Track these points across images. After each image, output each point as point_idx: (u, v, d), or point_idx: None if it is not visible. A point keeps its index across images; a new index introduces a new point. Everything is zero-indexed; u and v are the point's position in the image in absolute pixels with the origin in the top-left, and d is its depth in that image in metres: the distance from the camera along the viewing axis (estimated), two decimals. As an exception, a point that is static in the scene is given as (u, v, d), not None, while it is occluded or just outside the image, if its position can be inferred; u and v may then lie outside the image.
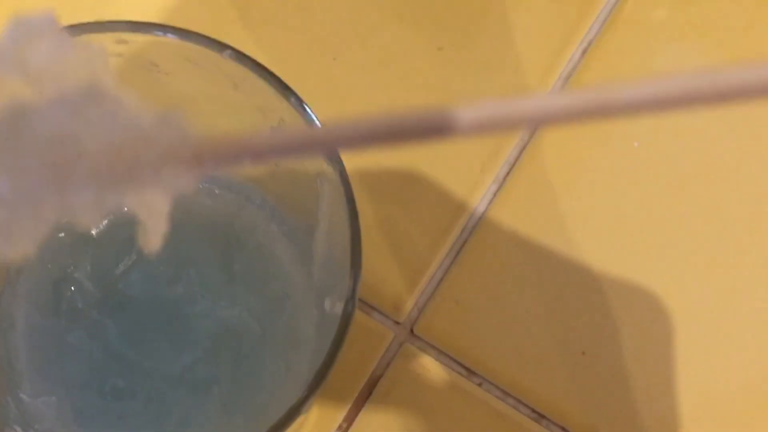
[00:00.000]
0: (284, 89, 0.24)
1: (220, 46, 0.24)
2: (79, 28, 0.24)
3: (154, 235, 0.16)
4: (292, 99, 0.24)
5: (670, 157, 0.35)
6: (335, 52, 0.36)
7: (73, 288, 0.30)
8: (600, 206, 0.35)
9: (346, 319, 0.24)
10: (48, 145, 0.14)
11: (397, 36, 0.36)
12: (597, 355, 0.33)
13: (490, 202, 0.34)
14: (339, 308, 0.26)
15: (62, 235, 0.30)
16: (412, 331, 0.33)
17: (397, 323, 0.33)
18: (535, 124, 0.14)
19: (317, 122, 0.24)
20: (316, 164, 0.25)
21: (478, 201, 0.34)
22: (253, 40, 0.36)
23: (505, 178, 0.35)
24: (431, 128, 0.14)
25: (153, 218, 0.16)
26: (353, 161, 0.33)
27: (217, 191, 0.31)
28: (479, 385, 0.33)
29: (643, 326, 0.33)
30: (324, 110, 0.35)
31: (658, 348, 0.33)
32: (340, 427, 0.32)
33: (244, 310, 0.30)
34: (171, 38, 0.24)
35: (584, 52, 0.36)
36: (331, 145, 0.15)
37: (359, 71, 0.36)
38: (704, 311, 0.34)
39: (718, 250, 0.34)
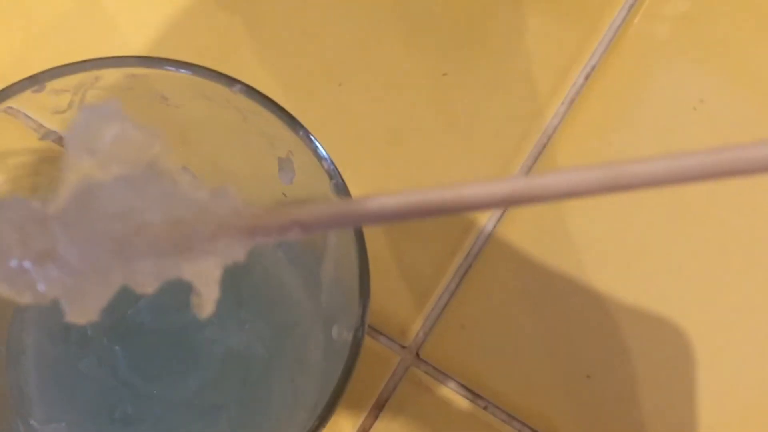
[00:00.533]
0: (293, 122, 0.25)
1: (230, 81, 0.25)
2: (91, 63, 0.24)
3: (207, 302, 0.17)
4: (301, 132, 0.25)
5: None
6: (341, 77, 0.36)
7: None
8: (607, 228, 0.35)
9: (356, 347, 0.24)
10: (113, 219, 0.16)
11: (403, 62, 0.37)
12: (602, 379, 0.33)
13: (495, 225, 0.35)
14: (346, 335, 0.26)
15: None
16: (418, 354, 0.34)
17: (403, 347, 0.34)
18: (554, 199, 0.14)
19: (325, 154, 0.25)
20: (323, 194, 0.26)
21: (483, 224, 0.35)
22: (259, 66, 0.36)
23: (509, 203, 0.35)
24: (465, 205, 0.15)
25: (206, 286, 0.17)
26: (361, 186, 0.33)
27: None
28: (485, 408, 0.33)
29: (650, 349, 0.34)
30: (330, 135, 0.35)
31: (664, 371, 0.33)
32: (347, 450, 0.33)
33: (252, 336, 0.30)
34: (181, 72, 0.25)
35: (587, 76, 0.37)
36: (374, 219, 0.16)
37: (365, 97, 0.36)
38: (713, 334, 0.34)
39: (726, 272, 0.35)
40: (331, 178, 0.25)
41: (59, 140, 0.30)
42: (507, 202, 0.15)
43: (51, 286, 0.16)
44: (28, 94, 0.25)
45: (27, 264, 0.16)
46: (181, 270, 0.16)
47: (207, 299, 0.17)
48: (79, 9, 0.37)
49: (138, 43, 0.36)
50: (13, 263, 0.16)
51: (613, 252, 0.35)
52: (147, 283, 0.16)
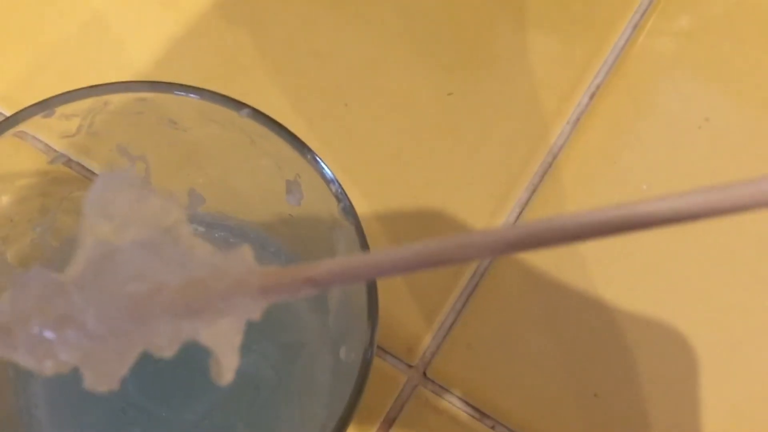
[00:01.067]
0: (301, 146, 0.25)
1: (238, 105, 0.25)
2: (101, 88, 0.25)
3: (227, 371, 0.17)
4: (309, 155, 0.25)
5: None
6: (347, 97, 0.36)
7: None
8: (614, 245, 0.35)
9: (365, 368, 0.24)
10: (129, 283, 0.16)
11: (408, 82, 0.37)
12: (610, 397, 0.33)
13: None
14: (355, 355, 0.26)
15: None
16: (425, 374, 0.34)
17: (411, 366, 0.34)
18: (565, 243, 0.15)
19: (332, 177, 0.25)
20: (331, 216, 0.26)
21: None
22: (265, 87, 0.36)
23: (516, 220, 0.35)
24: (471, 255, 0.15)
25: (226, 354, 0.17)
26: (368, 206, 0.33)
27: (231, 240, 0.31)
28: (492, 428, 0.33)
29: (658, 368, 0.34)
30: (336, 155, 0.35)
31: (672, 390, 0.33)
32: (354, 471, 0.33)
33: (260, 357, 0.30)
34: (190, 97, 0.25)
35: (592, 95, 0.37)
36: (385, 272, 0.16)
37: (370, 116, 0.36)
38: (723, 352, 0.34)
39: (736, 289, 0.35)
40: (339, 201, 0.25)
41: (68, 163, 0.30)
42: (514, 249, 0.15)
43: (71, 353, 0.16)
44: (38, 119, 0.25)
45: (47, 333, 0.16)
46: (199, 334, 0.17)
47: (227, 368, 0.17)
48: (84, 31, 0.37)
49: (144, 64, 0.37)
50: (34, 332, 0.16)
51: (621, 269, 0.35)
52: (165, 347, 0.17)
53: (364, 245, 0.24)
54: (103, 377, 0.17)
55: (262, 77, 0.37)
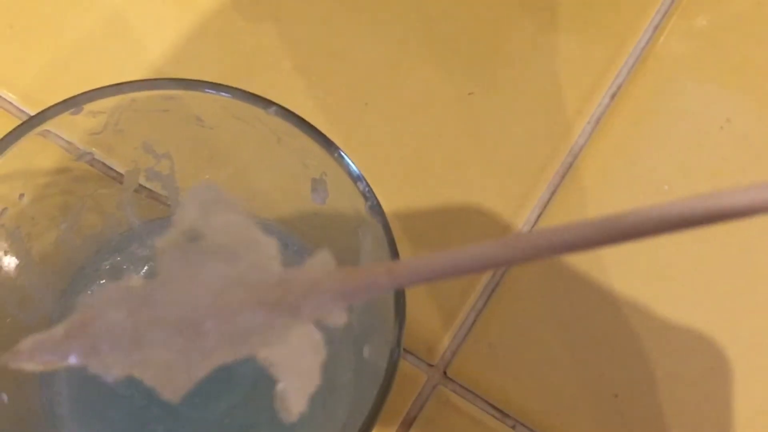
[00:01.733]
0: (328, 144, 0.25)
1: (266, 103, 0.25)
2: (128, 86, 0.25)
3: (293, 409, 0.17)
4: (336, 153, 0.25)
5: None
6: (367, 97, 0.36)
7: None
8: (635, 245, 0.35)
9: (392, 368, 0.24)
10: (217, 290, 0.16)
11: (428, 81, 0.37)
12: (630, 398, 0.33)
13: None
14: (378, 355, 0.26)
15: (103, 282, 0.31)
16: (445, 373, 0.34)
17: (431, 366, 0.34)
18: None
19: (360, 175, 0.25)
20: (357, 214, 0.26)
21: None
22: (285, 86, 0.36)
23: (537, 220, 0.35)
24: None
25: (298, 394, 0.17)
26: (388, 206, 0.33)
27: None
28: (512, 427, 0.33)
29: (678, 368, 0.34)
30: (356, 154, 0.35)
31: (693, 391, 0.33)
32: (375, 470, 0.33)
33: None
34: (220, 95, 0.25)
35: (613, 95, 0.37)
36: (468, 269, 0.16)
37: (391, 116, 0.36)
38: (744, 352, 0.34)
39: (758, 288, 0.35)
40: (366, 199, 0.25)
41: (92, 161, 0.30)
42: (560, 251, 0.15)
43: (146, 363, 0.17)
44: (65, 116, 0.25)
45: (123, 343, 0.17)
46: (276, 362, 0.17)
47: (294, 408, 0.17)
48: (105, 30, 0.37)
49: (163, 63, 0.37)
50: (108, 345, 0.17)
51: (641, 269, 0.35)
52: (244, 351, 0.17)
53: (392, 243, 0.24)
54: (175, 385, 0.17)
55: (281, 77, 0.37)
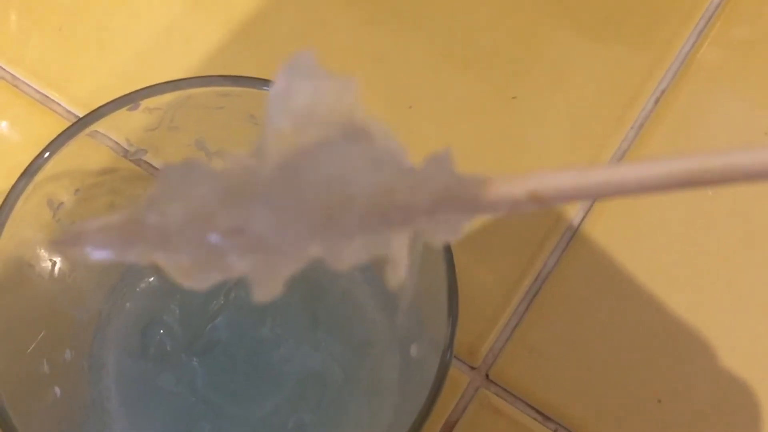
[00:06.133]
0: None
1: (320, 100, 0.25)
2: (185, 82, 0.25)
3: (398, 267, 0.15)
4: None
5: (749, 202, 0.35)
6: (411, 100, 0.37)
7: (161, 332, 0.30)
8: (678, 251, 0.35)
9: (443, 369, 0.24)
10: (319, 191, 0.14)
11: (472, 85, 0.37)
12: (673, 403, 0.33)
13: (565, 248, 0.35)
14: (425, 355, 0.26)
15: (152, 279, 0.31)
16: (487, 376, 0.34)
17: (473, 368, 0.34)
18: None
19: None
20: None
21: (553, 247, 0.35)
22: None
23: (579, 225, 0.35)
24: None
25: (397, 252, 0.15)
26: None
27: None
28: (554, 431, 0.33)
29: (722, 374, 0.33)
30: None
31: (736, 398, 0.33)
32: (417, 472, 0.33)
33: (328, 355, 0.31)
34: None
35: (657, 101, 0.37)
36: (628, 190, 0.14)
37: (435, 119, 0.37)
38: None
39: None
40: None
41: (138, 161, 0.31)
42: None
43: (243, 260, 0.14)
44: (122, 112, 0.25)
45: (221, 238, 0.14)
46: (391, 246, 0.15)
47: (398, 266, 0.15)
48: (153, 32, 0.38)
49: (208, 65, 0.37)
50: (211, 237, 0.14)
51: (685, 275, 0.34)
52: (348, 259, 0.15)
53: (447, 246, 0.25)
54: (267, 287, 0.15)
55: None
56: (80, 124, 0.25)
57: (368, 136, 0.15)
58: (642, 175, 0.14)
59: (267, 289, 0.15)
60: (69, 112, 0.37)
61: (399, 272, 0.15)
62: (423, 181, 0.15)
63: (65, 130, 0.25)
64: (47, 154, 0.25)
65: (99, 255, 0.14)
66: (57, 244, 0.15)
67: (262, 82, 0.25)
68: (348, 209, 0.14)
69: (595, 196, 0.14)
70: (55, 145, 0.25)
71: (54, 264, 0.28)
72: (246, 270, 0.15)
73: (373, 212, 0.14)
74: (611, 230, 0.35)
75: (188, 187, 0.14)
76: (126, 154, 0.30)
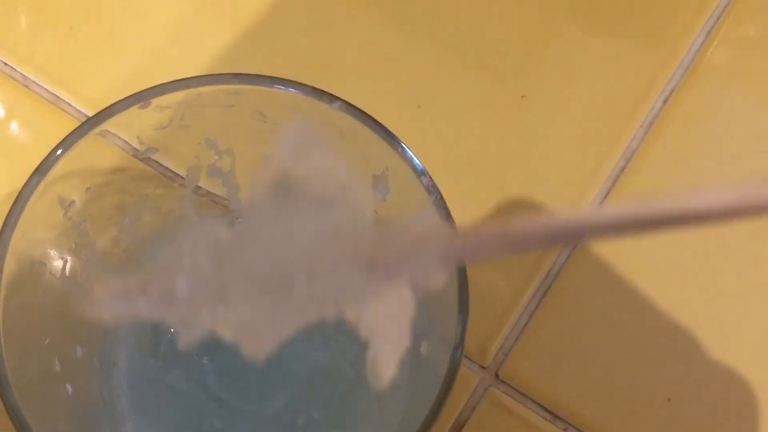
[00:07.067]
0: (391, 138, 0.25)
1: (331, 98, 0.25)
2: (195, 80, 0.25)
3: (384, 375, 0.16)
4: (399, 148, 0.25)
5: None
6: (420, 99, 0.37)
7: (172, 330, 0.30)
8: (687, 249, 0.35)
9: (454, 367, 0.24)
10: (310, 243, 0.15)
11: (480, 84, 0.37)
12: (683, 402, 0.33)
13: (574, 248, 0.35)
14: (435, 352, 0.26)
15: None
16: (497, 375, 0.34)
17: (483, 367, 0.34)
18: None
19: (424, 170, 0.25)
20: (418, 210, 0.26)
21: (562, 246, 0.35)
22: (338, 89, 0.37)
23: (588, 224, 0.35)
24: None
25: (388, 359, 0.16)
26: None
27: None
28: (564, 430, 0.33)
29: (732, 371, 0.33)
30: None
31: (747, 396, 0.33)
32: (427, 470, 0.33)
33: (338, 352, 0.31)
34: (282, 90, 0.25)
35: (666, 100, 0.37)
36: (597, 233, 0.15)
37: (443, 118, 0.37)
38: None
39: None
40: (429, 193, 0.25)
41: (148, 161, 0.31)
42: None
43: (230, 319, 0.16)
44: (133, 110, 0.25)
45: (205, 295, 0.15)
46: (365, 325, 0.16)
47: (384, 373, 0.16)
48: (163, 31, 0.38)
49: (219, 64, 0.37)
50: (188, 296, 0.15)
51: (695, 273, 0.34)
52: (336, 311, 0.16)
53: (455, 238, 0.25)
54: (259, 343, 0.16)
55: (334, 79, 0.37)
56: (93, 120, 0.25)
57: (362, 200, 0.16)
58: (615, 219, 0.14)
59: (258, 348, 0.16)
60: (79, 111, 0.37)
61: (382, 376, 0.16)
62: (407, 229, 0.15)
63: (79, 127, 0.25)
64: (60, 151, 0.25)
65: (113, 316, 0.16)
66: (81, 308, 0.16)
67: (273, 80, 0.25)
68: (334, 259, 0.15)
69: (573, 240, 0.14)
70: (68, 142, 0.25)
71: (65, 262, 0.28)
72: (235, 336, 0.16)
73: (360, 260, 0.15)
74: (621, 229, 0.35)
75: (182, 259, 0.16)
76: (136, 153, 0.30)
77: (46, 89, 0.37)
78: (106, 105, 0.25)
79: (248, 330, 0.16)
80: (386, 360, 0.16)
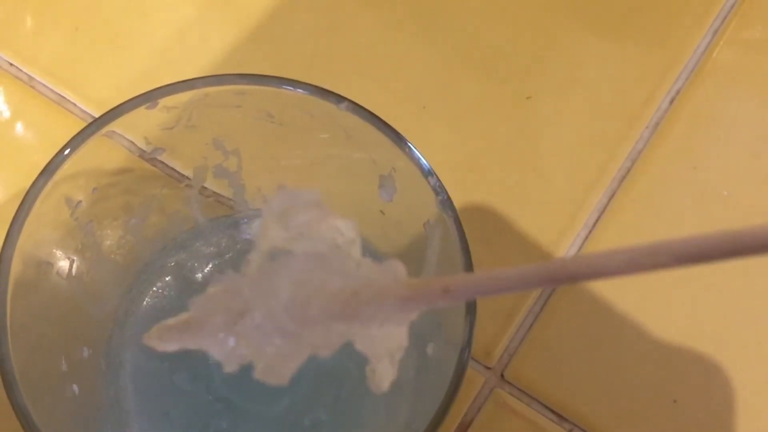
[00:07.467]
0: (399, 139, 0.25)
1: (338, 98, 0.25)
2: (202, 81, 0.25)
3: (383, 379, 0.18)
4: (407, 149, 0.25)
5: (763, 204, 0.35)
6: (425, 100, 0.37)
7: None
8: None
9: (461, 368, 0.24)
10: (294, 286, 0.17)
11: (486, 85, 0.37)
12: (689, 404, 0.33)
13: (579, 248, 0.35)
14: (442, 353, 0.26)
15: (168, 278, 0.31)
16: (502, 376, 0.33)
17: (488, 368, 0.34)
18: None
19: (431, 170, 0.25)
20: (426, 210, 0.26)
21: (567, 248, 0.35)
22: (343, 90, 0.37)
23: (594, 225, 0.35)
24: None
25: (384, 363, 0.18)
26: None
27: (316, 236, 0.32)
28: (569, 431, 0.33)
29: (737, 373, 0.33)
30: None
31: (754, 397, 0.33)
32: (432, 471, 0.32)
33: (343, 353, 0.30)
34: (290, 90, 0.25)
35: (672, 101, 0.37)
36: (524, 286, 0.17)
37: (449, 119, 0.37)
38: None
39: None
40: (437, 194, 0.25)
41: (154, 161, 0.31)
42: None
43: (246, 347, 0.18)
44: (141, 110, 0.25)
45: (227, 329, 0.18)
46: (356, 338, 0.18)
47: (383, 378, 0.18)
48: (169, 32, 0.38)
49: (224, 64, 0.37)
50: (218, 327, 0.18)
51: (702, 273, 0.34)
52: (324, 348, 0.18)
53: (463, 239, 0.25)
54: (273, 372, 0.18)
55: (339, 80, 0.37)
56: (101, 121, 0.25)
57: (348, 258, 0.18)
58: (529, 276, 0.16)
59: (271, 374, 0.19)
60: (85, 112, 0.37)
61: (381, 381, 0.19)
62: (369, 283, 0.18)
63: (86, 127, 0.25)
64: (67, 151, 0.25)
65: (167, 348, 0.19)
66: (147, 341, 0.19)
67: (281, 81, 0.25)
68: (314, 303, 0.17)
69: (504, 292, 0.17)
70: (75, 142, 0.25)
71: (72, 262, 0.28)
72: (252, 355, 0.19)
73: (332, 306, 0.17)
74: (626, 229, 0.35)
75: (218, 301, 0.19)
76: (142, 154, 0.30)
77: (51, 90, 0.37)
78: (111, 106, 0.25)
79: (263, 359, 0.18)
80: (384, 369, 0.18)
